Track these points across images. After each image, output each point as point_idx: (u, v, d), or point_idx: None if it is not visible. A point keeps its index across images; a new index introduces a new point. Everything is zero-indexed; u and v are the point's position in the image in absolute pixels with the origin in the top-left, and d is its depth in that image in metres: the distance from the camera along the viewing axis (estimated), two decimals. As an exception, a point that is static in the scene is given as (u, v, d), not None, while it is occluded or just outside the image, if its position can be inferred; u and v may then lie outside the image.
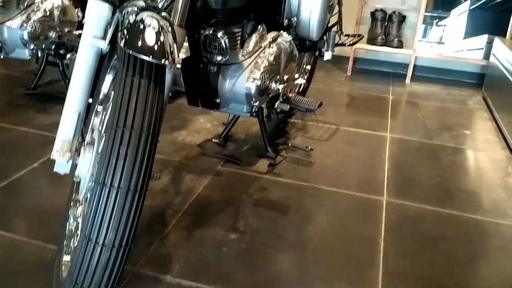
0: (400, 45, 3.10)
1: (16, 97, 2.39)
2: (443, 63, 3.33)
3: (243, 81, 1.52)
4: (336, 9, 2.17)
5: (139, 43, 0.92)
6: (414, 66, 3.21)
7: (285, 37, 1.69)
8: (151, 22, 0.97)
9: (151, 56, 0.91)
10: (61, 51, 2.24)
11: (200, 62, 1.47)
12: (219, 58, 1.40)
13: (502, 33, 3.16)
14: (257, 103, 1.57)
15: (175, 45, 1.00)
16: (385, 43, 3.11)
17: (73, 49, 2.27)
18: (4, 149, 1.85)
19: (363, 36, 2.47)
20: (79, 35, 2.28)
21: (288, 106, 1.62)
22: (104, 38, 1.06)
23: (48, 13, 2.10)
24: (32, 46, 2.07)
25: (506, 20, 3.14)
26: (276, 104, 1.62)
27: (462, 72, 3.31)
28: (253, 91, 1.52)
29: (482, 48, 3.37)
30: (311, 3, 1.80)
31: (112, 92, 1.05)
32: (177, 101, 2.40)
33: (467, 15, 4.03)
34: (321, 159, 1.95)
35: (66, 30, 2.21)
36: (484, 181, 1.88)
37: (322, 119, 2.42)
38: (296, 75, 1.94)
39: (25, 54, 2.10)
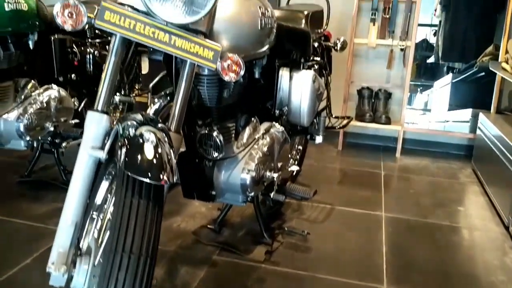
0: (388, 122, 3.19)
1: (10, 185, 2.39)
2: (431, 136, 3.41)
3: (238, 173, 1.54)
4: (325, 94, 2.25)
5: (138, 163, 0.94)
6: (403, 139, 3.28)
7: (277, 128, 1.73)
8: (149, 136, 1.01)
9: (149, 178, 0.93)
10: (57, 140, 2.28)
11: (196, 157, 1.50)
12: (215, 154, 1.43)
13: (485, 106, 3.26)
14: (252, 193, 1.58)
15: (173, 161, 1.03)
16: (373, 120, 3.20)
17: (69, 137, 2.31)
18: (-5, 245, 1.82)
19: (352, 118, 2.54)
20: (75, 124, 2.34)
21: (284, 197, 1.63)
22: (102, 148, 1.08)
23: (45, 105, 2.14)
24: (28, 138, 2.08)
25: (488, 92, 3.25)
26: (272, 194, 1.63)
27: (450, 144, 3.39)
28: (248, 182, 1.54)
29: (468, 121, 3.48)
30: (301, 93, 1.87)
31: (111, 208, 1.06)
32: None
33: (450, 88, 4.20)
34: (318, 243, 1.93)
35: (62, 119, 2.25)
36: (483, 263, 1.86)
37: (317, 198, 2.41)
38: (290, 161, 1.98)
39: (21, 145, 2.11)
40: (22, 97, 2.12)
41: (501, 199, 2.36)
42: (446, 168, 3.09)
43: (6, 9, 1.88)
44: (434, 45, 4.84)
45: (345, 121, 2.37)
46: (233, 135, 1.58)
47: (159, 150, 1.00)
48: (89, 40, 2.47)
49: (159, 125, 1.08)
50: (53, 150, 2.36)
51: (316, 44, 2.26)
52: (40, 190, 2.33)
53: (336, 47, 2.38)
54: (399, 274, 1.73)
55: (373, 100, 3.29)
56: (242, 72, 1.25)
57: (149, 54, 1.31)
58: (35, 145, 2.28)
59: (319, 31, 2.27)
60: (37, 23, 2.10)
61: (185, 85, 1.17)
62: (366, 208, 2.33)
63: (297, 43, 1.95)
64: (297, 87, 1.88)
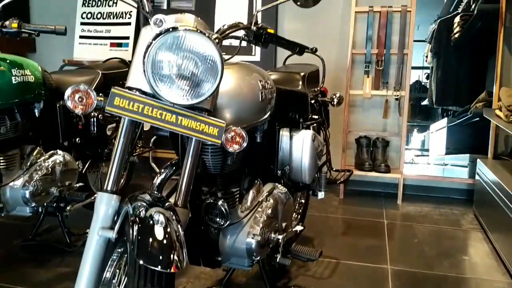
0: (388, 170, 3.22)
1: (14, 249, 2.38)
2: (432, 181, 3.44)
3: (244, 238, 1.56)
4: (324, 149, 2.30)
5: (150, 251, 0.98)
6: (404, 185, 3.31)
7: (280, 189, 1.76)
8: (158, 218, 1.04)
9: (161, 266, 0.96)
10: (61, 204, 2.30)
11: (201, 224, 1.52)
12: (221, 223, 1.45)
13: (482, 150, 3.31)
14: (258, 257, 1.59)
15: (182, 239, 1.06)
16: (373, 168, 3.24)
17: (73, 201, 2.33)
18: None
19: (352, 172, 2.58)
20: (80, 188, 2.37)
21: (289, 261, 1.64)
22: (112, 227, 1.11)
23: (50, 170, 2.18)
24: (33, 204, 2.11)
25: (484, 137, 3.30)
26: (278, 258, 1.64)
27: (451, 189, 3.41)
28: (254, 246, 1.55)
29: (466, 166, 3.52)
30: (302, 153, 1.91)
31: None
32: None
33: (446, 132, 4.28)
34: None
35: (66, 183, 2.28)
36: (492, 317, 1.85)
37: (323, 251, 2.42)
38: (294, 221, 1.99)
39: (26, 211, 2.13)
40: (28, 164, 2.16)
41: (505, 246, 2.36)
42: (448, 214, 3.10)
43: (14, 82, 1.96)
44: (428, 87, 4.97)
45: (346, 175, 2.40)
46: (237, 199, 1.60)
47: (169, 233, 1.04)
48: (93, 103, 2.54)
49: (167, 204, 1.11)
50: (57, 213, 2.37)
51: (313, 101, 2.33)
52: (44, 254, 2.32)
53: (333, 102, 2.44)
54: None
55: (371, 149, 3.34)
56: (245, 144, 1.30)
57: (155, 130, 1.35)
58: (40, 210, 2.30)
59: (316, 89, 2.35)
60: (43, 92, 2.18)
61: (191, 161, 1.21)
62: (372, 261, 2.32)
63: (296, 104, 2.01)
64: (297, 147, 1.92)
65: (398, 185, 3.28)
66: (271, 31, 1.47)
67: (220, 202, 1.43)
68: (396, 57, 3.26)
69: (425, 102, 5.16)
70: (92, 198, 2.51)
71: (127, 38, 3.51)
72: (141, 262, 0.99)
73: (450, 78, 4.01)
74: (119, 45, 3.54)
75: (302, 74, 2.18)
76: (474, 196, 3.10)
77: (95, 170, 2.75)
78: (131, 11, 3.51)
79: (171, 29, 1.11)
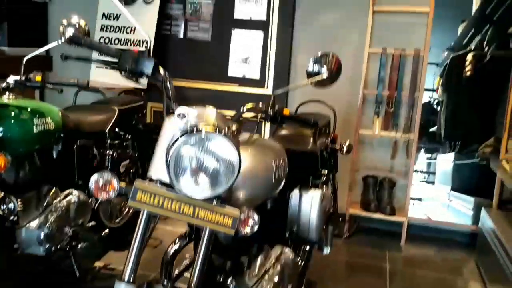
0: (393, 213, 3.27)
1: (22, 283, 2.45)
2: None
3: (251, 307, 1.62)
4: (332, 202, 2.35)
5: None
6: (408, 225, 3.34)
7: (288, 254, 1.81)
8: None
9: None
10: (73, 243, 2.36)
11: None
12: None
13: (487, 193, 3.33)
14: (263, 325, 1.65)
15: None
16: (379, 209, 3.28)
17: (86, 240, 2.39)
18: None
19: (358, 224, 2.63)
20: (92, 227, 2.43)
21: (294, 332, 1.69)
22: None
23: (65, 211, 2.24)
24: (47, 245, 2.17)
25: (489, 180, 3.32)
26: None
27: (455, 231, 3.44)
28: (261, 315, 1.61)
29: (471, 210, 3.56)
30: (310, 213, 1.96)
31: None
32: None
33: (453, 168, 4.30)
34: None
35: (80, 222, 2.35)
36: None
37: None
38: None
39: (40, 250, 2.20)
40: (44, 205, 2.23)
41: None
42: (450, 260, 3.13)
43: (35, 131, 2.03)
44: (437, 116, 4.99)
45: (352, 228, 2.45)
46: (245, 267, 1.66)
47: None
48: (109, 141, 2.61)
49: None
50: (68, 250, 2.43)
51: (324, 152, 2.39)
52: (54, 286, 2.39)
53: (342, 151, 2.49)
54: None
55: (377, 188, 3.38)
56: (256, 227, 1.36)
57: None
58: (53, 249, 2.36)
59: (326, 141, 2.40)
60: (62, 135, 2.24)
61: (204, 251, 1.27)
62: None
63: (306, 164, 2.06)
64: (306, 207, 1.97)
65: (402, 228, 3.32)
66: (286, 111, 1.53)
67: (230, 280, 1.49)
68: (407, 99, 3.30)
69: (434, 129, 5.19)
70: (103, 234, 2.59)
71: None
72: None
73: (460, 116, 4.04)
74: (135, 72, 3.60)
75: (312, 121, 2.23)
76: (477, 243, 3.14)
77: (107, 205, 2.81)
78: (147, 40, 3.58)
79: (195, 131, 1.18)
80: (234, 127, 1.30)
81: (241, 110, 1.47)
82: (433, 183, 6.04)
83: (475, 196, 3.65)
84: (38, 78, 1.88)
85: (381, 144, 3.45)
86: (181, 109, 1.26)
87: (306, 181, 2.08)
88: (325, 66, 1.63)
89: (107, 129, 2.58)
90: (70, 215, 2.29)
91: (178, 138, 1.20)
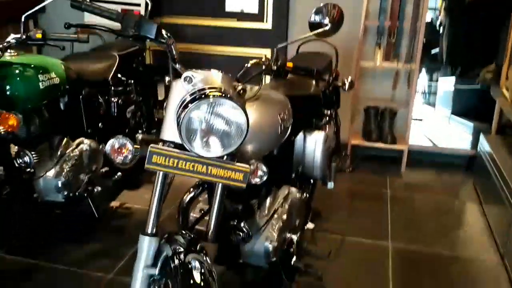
0: (394, 141, 3.36)
1: (44, 224, 2.61)
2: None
3: (262, 243, 1.74)
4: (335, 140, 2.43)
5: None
6: (409, 151, 3.45)
7: (295, 194, 1.93)
8: (195, 264, 1.23)
9: None
10: (89, 188, 2.48)
11: (224, 234, 1.70)
12: (245, 241, 1.64)
13: (487, 118, 3.39)
14: (275, 258, 1.80)
15: (214, 274, 1.25)
16: (380, 139, 3.37)
17: (101, 184, 2.50)
18: None
19: (360, 158, 2.72)
20: (106, 172, 2.54)
21: (302, 264, 1.85)
22: (154, 265, 1.30)
23: (78, 160, 2.34)
24: (65, 192, 2.29)
25: (489, 105, 3.37)
26: (292, 261, 1.85)
27: (453, 156, 3.56)
28: (271, 250, 1.74)
29: (471, 135, 3.64)
30: (314, 154, 2.05)
31: None
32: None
33: (453, 93, 4.33)
34: (332, 283, 2.16)
35: (93, 168, 2.45)
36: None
37: (329, 226, 2.64)
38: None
39: (59, 197, 2.32)
40: (58, 155, 2.31)
41: (497, 224, 2.57)
42: (448, 183, 3.29)
43: (41, 87, 2.06)
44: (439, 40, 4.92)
45: (354, 163, 2.55)
46: (256, 208, 1.78)
47: (204, 274, 1.23)
48: (112, 88, 2.64)
49: (199, 246, 1.30)
50: (85, 195, 2.56)
51: (326, 90, 2.42)
52: (75, 230, 2.55)
53: (344, 87, 2.52)
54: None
55: (379, 119, 3.45)
56: (265, 177, 1.45)
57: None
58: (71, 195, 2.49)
59: (329, 79, 2.42)
60: (67, 88, 2.27)
61: (218, 202, 1.37)
62: (374, 238, 2.54)
63: (309, 107, 2.11)
64: (310, 148, 2.06)
65: (403, 155, 3.43)
66: (290, 64, 1.55)
67: (243, 225, 1.61)
68: (409, 29, 3.25)
69: (436, 50, 5.14)
70: (116, 177, 2.70)
71: (138, 5, 3.48)
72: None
73: (461, 40, 3.99)
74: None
75: (315, 71, 2.25)
76: (475, 167, 3.26)
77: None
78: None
79: (203, 96, 1.22)
80: (239, 88, 1.34)
81: (245, 67, 1.49)
82: (434, 104, 6.08)
83: (474, 121, 3.73)
84: (39, 35, 1.87)
85: (382, 75, 3.45)
86: (187, 73, 1.30)
87: (310, 123, 2.14)
88: (327, 17, 1.63)
89: (110, 76, 2.60)
90: (84, 162, 2.39)
91: (188, 103, 1.24)
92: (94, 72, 2.54)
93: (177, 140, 1.31)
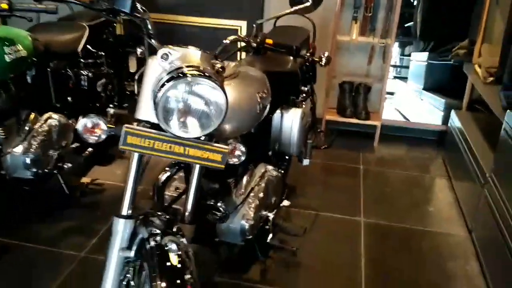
0: (368, 117, 3.39)
1: (15, 203, 2.53)
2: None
3: (238, 221, 1.75)
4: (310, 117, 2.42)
5: (168, 275, 1.16)
6: (382, 126, 3.49)
7: (271, 171, 1.92)
8: (172, 246, 1.21)
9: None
10: (59, 164, 2.40)
11: (200, 213, 1.69)
12: (221, 221, 1.63)
13: (458, 93, 3.46)
14: (251, 236, 1.80)
15: (191, 257, 1.24)
16: (354, 114, 3.39)
17: (71, 162, 2.43)
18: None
19: (336, 134, 2.72)
20: (76, 148, 2.46)
21: (278, 241, 1.86)
22: (129, 248, 1.27)
23: (47, 134, 2.25)
24: (34, 169, 2.22)
25: (461, 80, 3.42)
26: (268, 239, 1.86)
27: (425, 131, 3.62)
28: (247, 228, 1.75)
29: (442, 111, 3.71)
30: (291, 130, 2.04)
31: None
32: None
33: (426, 67, 4.37)
34: (306, 258, 2.19)
35: (63, 144, 2.38)
36: (448, 271, 2.17)
37: (304, 202, 2.67)
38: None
39: (27, 174, 2.24)
40: (25, 130, 2.23)
41: (466, 200, 2.65)
42: (419, 159, 3.35)
43: (7, 60, 1.95)
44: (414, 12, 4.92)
45: (330, 139, 2.55)
46: (232, 187, 1.77)
47: (181, 256, 1.22)
48: (82, 61, 2.53)
49: (175, 228, 1.28)
50: (55, 172, 2.48)
51: (304, 66, 2.40)
52: (46, 207, 2.49)
53: (321, 62, 2.49)
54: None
55: (353, 94, 3.46)
56: (243, 158, 1.43)
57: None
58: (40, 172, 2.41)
59: (306, 54, 2.39)
60: (35, 60, 2.17)
61: (196, 184, 1.34)
62: (347, 213, 2.59)
63: (286, 84, 2.08)
64: (287, 125, 2.05)
65: (376, 131, 3.47)
66: (269, 41, 1.51)
67: (219, 204, 1.59)
68: (385, 3, 3.23)
69: (410, 24, 5.16)
70: (87, 152, 2.63)
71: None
72: (163, 284, 1.17)
73: (436, 15, 4.01)
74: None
75: (295, 46, 2.20)
76: (445, 143, 3.33)
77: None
78: None
79: (180, 74, 1.18)
80: (218, 66, 1.30)
81: (223, 43, 1.44)
82: (406, 78, 6.13)
83: (446, 97, 3.79)
84: (5, 5, 1.75)
85: (358, 49, 3.45)
86: (164, 50, 1.25)
87: (287, 100, 2.12)
88: (308, -8, 1.58)
89: (79, 48, 2.49)
90: (53, 138, 2.31)
91: (165, 82, 1.20)
92: (62, 44, 2.42)
93: (153, 119, 1.27)
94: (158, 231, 1.26)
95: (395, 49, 7.33)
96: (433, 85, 4.22)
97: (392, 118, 3.76)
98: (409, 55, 6.18)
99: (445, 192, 2.92)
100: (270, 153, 2.03)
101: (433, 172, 3.18)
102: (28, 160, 2.18)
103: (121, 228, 1.27)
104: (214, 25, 3.50)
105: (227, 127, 1.44)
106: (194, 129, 1.24)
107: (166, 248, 1.22)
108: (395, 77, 7.12)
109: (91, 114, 1.27)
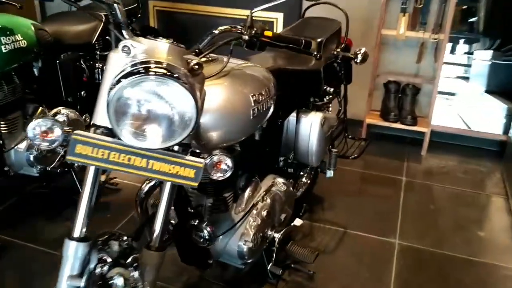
0: (414, 123, 3.01)
1: (26, 197, 2.44)
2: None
3: (235, 242, 1.52)
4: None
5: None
6: (432, 132, 3.09)
7: (280, 185, 1.66)
8: (117, 282, 1.01)
9: None
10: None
11: (189, 231, 1.47)
12: (205, 244, 1.40)
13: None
14: (251, 260, 1.56)
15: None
16: (399, 119, 3.03)
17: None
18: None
19: (369, 142, 2.41)
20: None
21: (280, 270, 1.60)
22: (81, 276, 1.08)
23: (54, 131, 2.13)
24: (39, 166, 2.11)
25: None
26: (269, 267, 1.61)
27: (482, 140, 3.18)
28: (245, 251, 1.51)
29: (504, 117, 3.24)
30: (309, 138, 1.77)
31: None
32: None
33: (489, 67, 3.89)
34: (325, 284, 1.91)
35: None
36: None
37: (331, 217, 2.38)
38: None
39: (33, 171, 2.14)
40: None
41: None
42: (473, 172, 2.93)
43: (4, 50, 1.84)
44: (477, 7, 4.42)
45: (361, 147, 2.24)
46: (230, 202, 1.53)
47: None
48: (98, 53, 2.39)
49: (131, 258, 1.07)
50: (66, 170, 2.37)
51: (333, 63, 2.11)
52: (56, 204, 2.38)
53: (356, 60, 2.18)
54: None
55: (400, 95, 3.09)
56: (229, 173, 1.19)
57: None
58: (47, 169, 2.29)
59: (335, 52, 2.09)
60: (40, 51, 2.04)
61: (166, 205, 1.12)
62: (380, 233, 2.26)
63: (306, 84, 1.81)
64: (304, 132, 1.79)
65: (424, 138, 3.08)
66: (268, 33, 1.25)
67: (204, 225, 1.36)
68: (439, -7, 2.85)
69: (474, 19, 4.66)
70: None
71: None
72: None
73: (501, 8, 3.52)
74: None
75: (318, 40, 1.93)
76: (505, 155, 2.89)
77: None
78: None
79: (140, 71, 0.97)
80: (194, 62, 1.07)
81: (210, 34, 1.21)
82: (468, 78, 5.59)
83: (510, 102, 3.31)
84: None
85: (406, 45, 3.07)
86: (126, 42, 1.04)
87: (305, 103, 1.85)
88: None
89: (94, 39, 2.35)
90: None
91: (120, 79, 0.99)
92: (75, 35, 2.29)
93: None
94: (109, 259, 1.05)
95: (459, 46, 6.76)
96: (496, 88, 3.73)
97: (450, 122, 3.32)
98: (472, 53, 5.64)
99: (501, 214, 2.50)
100: (281, 163, 1.77)
101: (488, 189, 2.76)
102: (31, 157, 2.07)
103: (72, 253, 1.08)
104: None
105: (211, 135, 1.21)
106: (153, 139, 1.01)
107: (110, 281, 1.01)
108: (457, 77, 6.55)
109: (46, 117, 1.08)
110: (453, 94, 5.27)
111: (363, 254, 2.13)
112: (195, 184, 1.09)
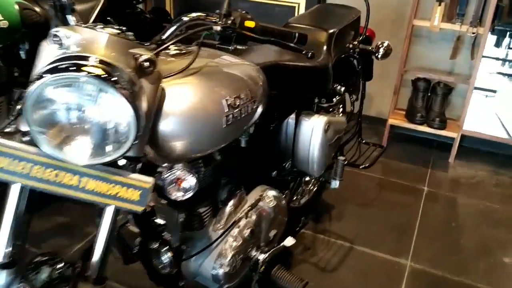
0: (443, 126, 2.71)
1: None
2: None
3: (210, 264, 1.32)
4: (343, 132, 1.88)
5: None
6: (462, 136, 2.78)
7: (269, 199, 1.44)
8: None
9: None
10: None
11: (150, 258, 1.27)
12: (166, 271, 1.20)
13: None
14: (227, 285, 1.36)
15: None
16: (425, 121, 2.73)
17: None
18: None
19: (384, 149, 2.14)
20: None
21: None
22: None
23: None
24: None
25: None
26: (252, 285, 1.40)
27: (519, 149, 2.85)
28: (221, 276, 1.32)
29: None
30: (310, 145, 1.55)
31: None
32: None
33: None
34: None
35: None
36: None
37: (337, 228, 2.15)
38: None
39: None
40: (16, 111, 1.97)
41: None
42: (506, 185, 2.62)
43: (-19, 33, 1.67)
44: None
45: (373, 156, 1.98)
46: (207, 219, 1.32)
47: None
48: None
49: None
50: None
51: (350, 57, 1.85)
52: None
53: (377, 54, 1.92)
54: None
55: (429, 94, 2.79)
56: (190, 194, 0.99)
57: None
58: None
59: (352, 44, 1.84)
60: (27, 32, 1.88)
61: (107, 231, 0.92)
62: (391, 251, 2.02)
63: (309, 83, 1.57)
64: (304, 138, 1.55)
65: (453, 144, 2.77)
66: (250, 24, 1.02)
67: (165, 250, 1.17)
68: (482, -20, 2.51)
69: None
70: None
71: None
72: None
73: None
74: None
75: (330, 31, 1.67)
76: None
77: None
78: None
79: (64, 67, 0.78)
80: (143, 58, 0.86)
81: (176, 24, 0.99)
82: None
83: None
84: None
85: (440, 39, 2.75)
86: (58, 31, 0.85)
87: (307, 104, 1.61)
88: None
89: (91, 20, 2.17)
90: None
91: (42, 74, 0.81)
92: (70, 14, 2.11)
93: (41, 132, 0.87)
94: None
95: (506, 40, 6.27)
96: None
97: (486, 124, 2.97)
98: (520, 48, 5.19)
99: (534, 237, 2.21)
100: (274, 173, 1.55)
101: (521, 206, 2.45)
102: (16, 145, 1.93)
103: (-7, 285, 0.90)
104: (268, 2, 3.01)
105: (173, 145, 1.00)
106: (78, 153, 0.82)
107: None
108: (498, 73, 6.09)
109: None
110: (493, 91, 4.86)
111: (368, 275, 1.90)
112: (140, 208, 0.89)
